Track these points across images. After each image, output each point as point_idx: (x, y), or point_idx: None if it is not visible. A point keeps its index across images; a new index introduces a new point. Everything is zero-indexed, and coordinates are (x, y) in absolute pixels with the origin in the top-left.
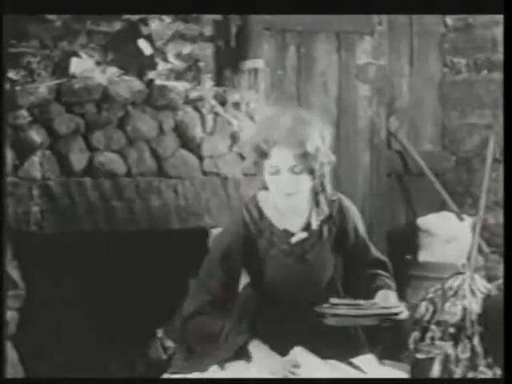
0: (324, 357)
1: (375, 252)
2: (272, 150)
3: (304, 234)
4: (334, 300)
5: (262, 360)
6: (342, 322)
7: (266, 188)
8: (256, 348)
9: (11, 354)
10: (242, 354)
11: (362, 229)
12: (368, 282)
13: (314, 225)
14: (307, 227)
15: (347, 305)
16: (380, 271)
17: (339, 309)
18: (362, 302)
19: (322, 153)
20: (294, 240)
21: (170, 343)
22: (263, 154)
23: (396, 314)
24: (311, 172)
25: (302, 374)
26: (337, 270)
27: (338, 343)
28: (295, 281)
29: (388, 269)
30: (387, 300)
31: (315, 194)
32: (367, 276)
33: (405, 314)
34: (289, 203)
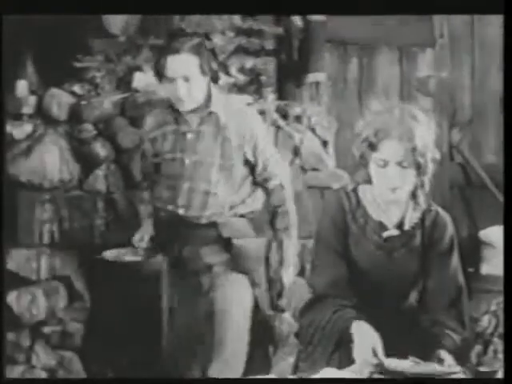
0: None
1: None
2: (382, 142)
3: (396, 232)
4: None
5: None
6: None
7: (368, 182)
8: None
9: (77, 365)
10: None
11: (455, 260)
12: (434, 330)
13: (408, 224)
14: (401, 225)
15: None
16: (451, 323)
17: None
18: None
19: (429, 149)
20: (386, 234)
21: None
22: (372, 147)
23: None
24: (418, 167)
25: None
26: (419, 282)
27: (418, 339)
28: (379, 274)
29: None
30: (443, 362)
31: (415, 189)
32: (436, 322)
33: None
34: (392, 198)
